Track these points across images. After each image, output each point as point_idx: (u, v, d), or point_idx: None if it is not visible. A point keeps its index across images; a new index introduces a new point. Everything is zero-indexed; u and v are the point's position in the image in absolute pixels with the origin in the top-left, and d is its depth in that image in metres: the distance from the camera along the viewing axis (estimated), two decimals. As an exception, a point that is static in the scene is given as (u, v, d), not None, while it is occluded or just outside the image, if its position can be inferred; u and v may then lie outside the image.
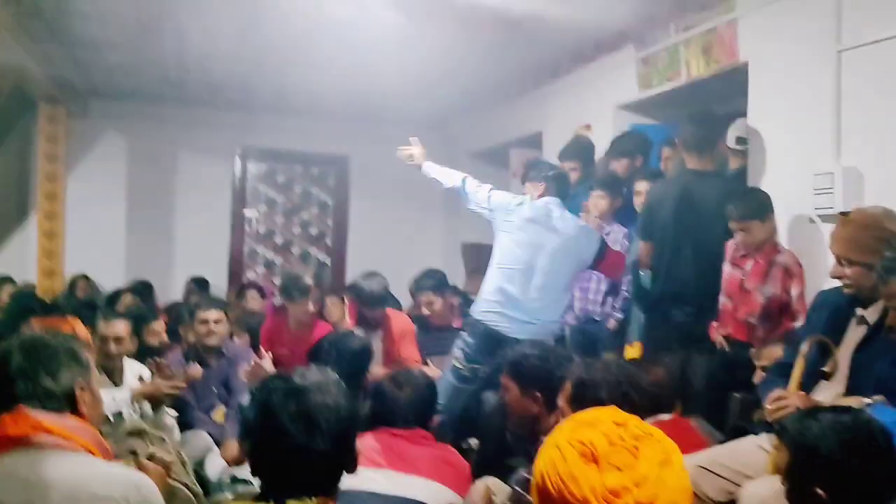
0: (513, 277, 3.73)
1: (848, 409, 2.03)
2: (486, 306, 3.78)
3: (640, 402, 2.31)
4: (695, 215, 3.65)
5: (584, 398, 2.21)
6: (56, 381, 1.77)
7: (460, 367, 3.82)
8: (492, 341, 3.71)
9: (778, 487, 1.88)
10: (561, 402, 2.35)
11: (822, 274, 3.01)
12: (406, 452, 2.40)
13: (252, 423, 1.60)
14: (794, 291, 3.24)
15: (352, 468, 1.62)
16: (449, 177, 4.07)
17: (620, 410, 1.53)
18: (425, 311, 4.36)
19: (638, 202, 4.12)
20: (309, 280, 4.49)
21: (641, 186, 4.12)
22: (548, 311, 3.77)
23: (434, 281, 4.46)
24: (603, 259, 3.82)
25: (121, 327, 3.56)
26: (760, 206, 3.33)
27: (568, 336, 4.36)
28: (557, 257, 3.73)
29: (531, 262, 3.72)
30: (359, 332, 4.02)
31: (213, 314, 4.08)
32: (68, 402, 1.78)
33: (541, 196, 3.83)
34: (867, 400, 2.19)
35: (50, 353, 1.80)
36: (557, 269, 3.74)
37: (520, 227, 3.77)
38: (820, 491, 1.71)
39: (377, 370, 3.88)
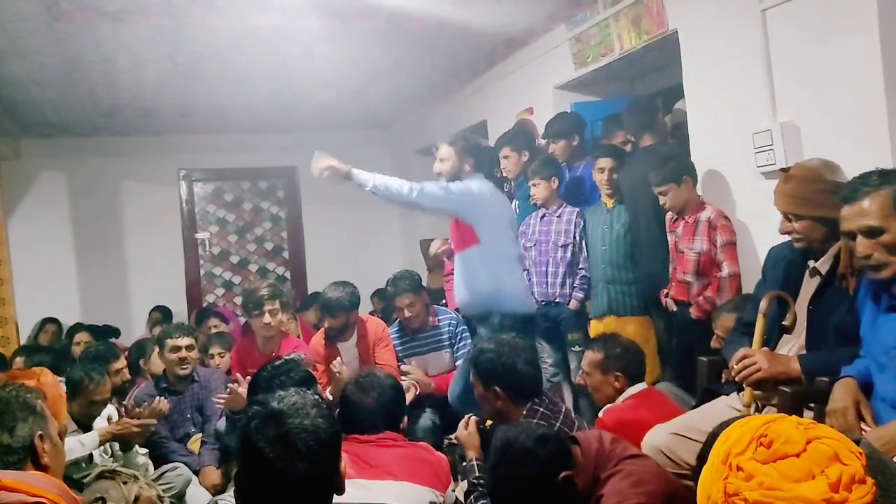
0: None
1: None
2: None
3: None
4: (637, 188, 3.84)
5: None
6: (13, 436, 1.75)
7: None
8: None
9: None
10: None
11: (772, 231, 3.05)
12: (376, 458, 2.36)
13: (234, 449, 1.58)
14: (720, 241, 3.38)
15: (340, 490, 1.61)
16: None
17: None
18: (406, 314, 4.31)
19: (601, 178, 4.15)
20: (265, 291, 4.17)
21: (604, 163, 4.15)
22: None
23: (411, 282, 4.41)
24: None
25: (107, 386, 3.49)
26: (674, 171, 3.48)
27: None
28: None
29: None
30: (301, 356, 3.78)
31: (184, 340, 4.03)
32: (29, 456, 1.75)
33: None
34: None
35: (3, 409, 1.76)
36: None
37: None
38: None
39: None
